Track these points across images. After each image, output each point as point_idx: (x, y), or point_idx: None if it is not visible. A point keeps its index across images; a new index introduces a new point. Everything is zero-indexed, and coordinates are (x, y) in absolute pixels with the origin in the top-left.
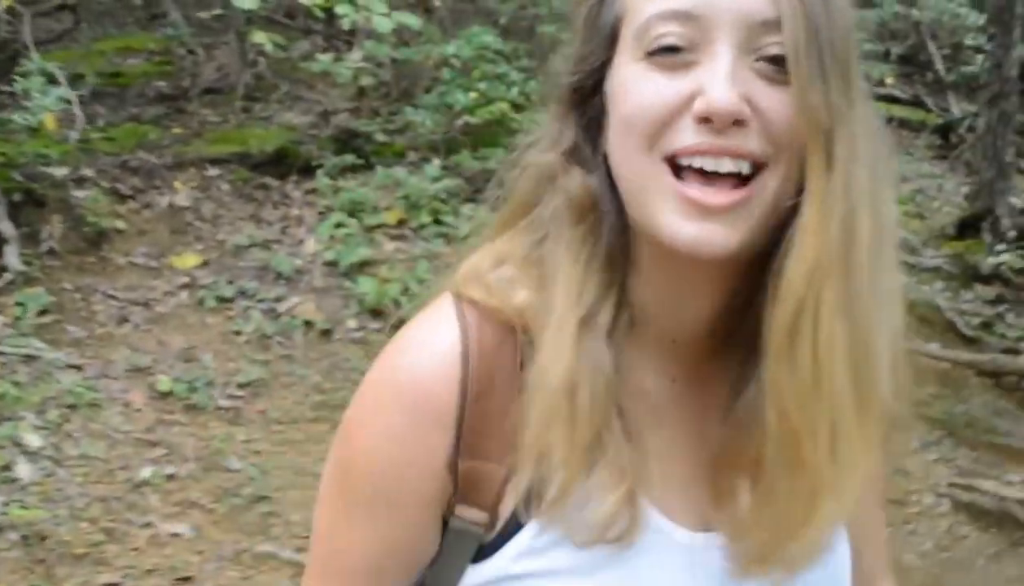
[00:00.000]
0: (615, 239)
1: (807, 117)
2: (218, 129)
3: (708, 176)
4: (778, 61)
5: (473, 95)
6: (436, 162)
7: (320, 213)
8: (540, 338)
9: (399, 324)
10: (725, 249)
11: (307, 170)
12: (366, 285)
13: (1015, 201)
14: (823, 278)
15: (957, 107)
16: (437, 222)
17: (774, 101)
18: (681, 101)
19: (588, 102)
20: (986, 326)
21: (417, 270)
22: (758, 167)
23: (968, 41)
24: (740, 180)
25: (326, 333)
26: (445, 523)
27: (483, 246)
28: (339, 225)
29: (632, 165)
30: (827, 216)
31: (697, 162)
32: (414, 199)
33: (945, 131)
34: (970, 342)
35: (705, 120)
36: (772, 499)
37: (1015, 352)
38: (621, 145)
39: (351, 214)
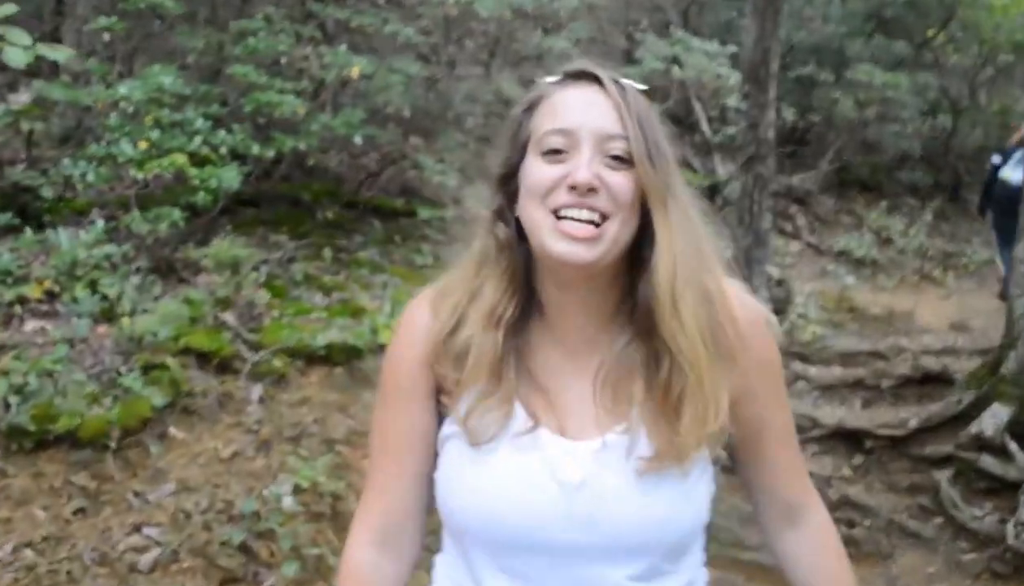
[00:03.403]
0: (522, 265)
1: (649, 189)
2: None
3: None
4: (618, 158)
5: (143, 145)
6: (100, 223)
7: None
8: (465, 322)
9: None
10: (583, 260)
11: None
12: None
13: (772, 270)
14: (680, 274)
15: (723, 168)
16: (95, 294)
17: (615, 179)
18: (560, 178)
19: (509, 183)
20: None
21: (52, 356)
22: (605, 217)
23: (731, 102)
24: (596, 225)
25: None
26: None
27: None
28: None
29: (532, 214)
30: (673, 243)
31: (568, 213)
32: (68, 267)
33: (711, 193)
34: None
35: (573, 188)
36: (669, 403)
37: None
38: (527, 204)
39: None
